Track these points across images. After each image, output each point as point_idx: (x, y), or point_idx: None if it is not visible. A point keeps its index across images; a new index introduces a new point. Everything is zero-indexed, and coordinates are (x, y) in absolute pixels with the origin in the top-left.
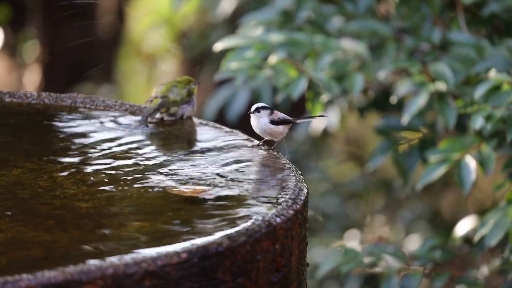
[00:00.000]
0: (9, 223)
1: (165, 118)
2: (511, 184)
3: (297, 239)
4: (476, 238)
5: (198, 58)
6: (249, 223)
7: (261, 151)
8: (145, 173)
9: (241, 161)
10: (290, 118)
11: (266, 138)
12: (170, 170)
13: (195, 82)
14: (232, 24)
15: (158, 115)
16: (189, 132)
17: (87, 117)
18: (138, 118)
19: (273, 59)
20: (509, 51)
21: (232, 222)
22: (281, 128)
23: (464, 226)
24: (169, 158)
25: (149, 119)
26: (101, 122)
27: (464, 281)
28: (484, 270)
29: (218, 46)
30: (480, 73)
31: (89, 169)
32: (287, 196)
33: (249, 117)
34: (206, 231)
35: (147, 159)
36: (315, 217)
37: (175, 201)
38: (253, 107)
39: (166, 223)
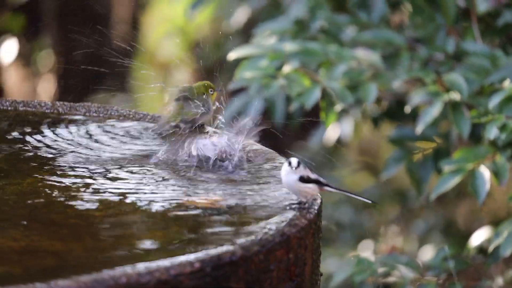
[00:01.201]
0: (23, 232)
1: (181, 125)
2: None
3: (310, 248)
4: (491, 248)
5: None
6: (262, 232)
7: (273, 158)
8: (158, 182)
9: (254, 171)
10: (323, 180)
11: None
12: (182, 179)
13: (214, 89)
14: (246, 33)
15: (173, 123)
16: None
17: (101, 126)
18: (152, 127)
19: (286, 68)
20: None
21: (246, 232)
22: (311, 188)
23: (478, 237)
24: (181, 167)
25: (164, 128)
26: (115, 132)
27: None
28: (498, 281)
29: (232, 56)
30: (494, 83)
31: (103, 178)
32: (301, 206)
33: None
34: (219, 241)
35: (160, 168)
36: (328, 226)
37: (187, 211)
38: (294, 162)
39: (179, 233)
